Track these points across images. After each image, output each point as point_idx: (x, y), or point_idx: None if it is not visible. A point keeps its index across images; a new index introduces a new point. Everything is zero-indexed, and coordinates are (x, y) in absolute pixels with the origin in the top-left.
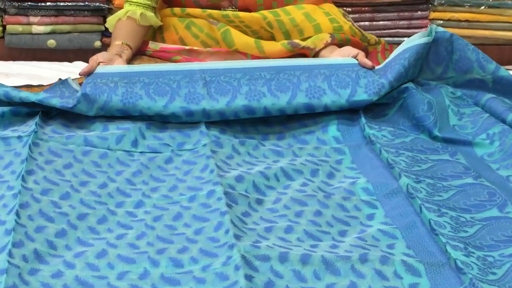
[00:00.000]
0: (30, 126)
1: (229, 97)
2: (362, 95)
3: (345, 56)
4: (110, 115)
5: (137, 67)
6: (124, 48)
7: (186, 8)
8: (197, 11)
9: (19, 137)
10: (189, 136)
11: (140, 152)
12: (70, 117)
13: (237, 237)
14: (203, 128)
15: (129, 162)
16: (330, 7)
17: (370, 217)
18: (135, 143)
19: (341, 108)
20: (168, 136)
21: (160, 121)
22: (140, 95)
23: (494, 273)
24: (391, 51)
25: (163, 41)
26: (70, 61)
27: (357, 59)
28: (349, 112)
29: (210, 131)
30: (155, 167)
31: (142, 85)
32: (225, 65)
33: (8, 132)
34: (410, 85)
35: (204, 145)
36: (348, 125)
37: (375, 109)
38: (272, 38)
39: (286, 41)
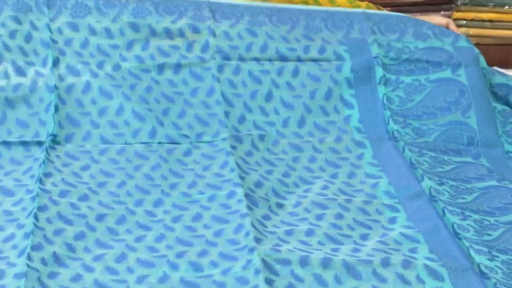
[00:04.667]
0: (45, 110)
1: (233, 21)
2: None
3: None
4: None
5: None
6: None
7: None
8: None
9: (39, 143)
10: (208, 124)
11: (159, 143)
12: (80, 100)
13: (257, 240)
14: (221, 116)
15: (148, 154)
16: None
17: (392, 220)
18: (152, 133)
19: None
20: (187, 125)
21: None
22: (150, 11)
23: None
24: None
25: None
26: None
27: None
28: (372, 103)
29: (229, 120)
30: (174, 160)
31: (151, 3)
32: (230, 1)
33: (26, 138)
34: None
35: (224, 139)
36: (371, 117)
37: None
38: None
39: None
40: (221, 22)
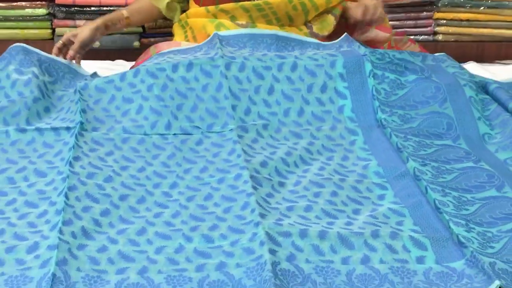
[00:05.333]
0: (74, 113)
1: (236, 48)
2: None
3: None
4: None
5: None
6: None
7: (220, 5)
8: (230, 5)
9: (67, 128)
10: (217, 116)
11: (174, 134)
12: (106, 98)
13: (262, 215)
14: (229, 109)
15: (164, 146)
16: None
17: (381, 197)
18: (168, 126)
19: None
20: (198, 118)
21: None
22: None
23: (492, 247)
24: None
25: (195, 40)
26: (112, 59)
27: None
28: (363, 94)
29: (236, 112)
30: (187, 149)
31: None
32: (235, 32)
33: (55, 122)
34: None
35: (231, 129)
36: (362, 107)
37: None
38: (291, 23)
39: (308, 31)
40: (227, 48)
